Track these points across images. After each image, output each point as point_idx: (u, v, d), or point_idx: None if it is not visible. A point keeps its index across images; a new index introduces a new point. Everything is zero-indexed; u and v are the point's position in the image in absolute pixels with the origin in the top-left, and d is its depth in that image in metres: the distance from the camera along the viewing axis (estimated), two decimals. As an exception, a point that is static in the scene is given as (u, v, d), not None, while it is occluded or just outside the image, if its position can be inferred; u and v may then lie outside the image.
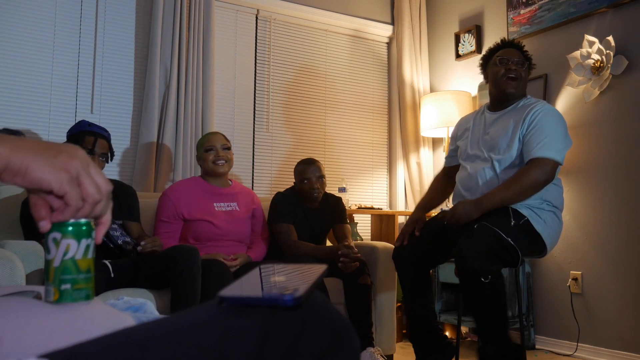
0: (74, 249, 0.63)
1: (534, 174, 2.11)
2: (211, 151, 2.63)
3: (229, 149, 2.69)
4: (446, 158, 2.67)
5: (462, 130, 2.53)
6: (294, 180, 2.83)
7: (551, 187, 2.22)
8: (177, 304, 2.08)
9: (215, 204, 2.62)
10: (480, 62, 2.49)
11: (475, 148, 2.38)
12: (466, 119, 2.57)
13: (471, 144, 2.41)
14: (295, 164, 2.85)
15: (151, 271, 2.19)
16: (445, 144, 3.67)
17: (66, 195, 0.59)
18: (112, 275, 2.19)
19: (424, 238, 2.33)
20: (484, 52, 2.53)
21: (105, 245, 2.27)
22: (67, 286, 0.62)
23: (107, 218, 0.65)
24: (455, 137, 2.58)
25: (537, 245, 2.17)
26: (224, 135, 2.72)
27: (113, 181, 2.55)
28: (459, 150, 2.51)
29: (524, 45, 2.45)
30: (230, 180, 2.78)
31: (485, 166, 2.28)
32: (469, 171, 2.34)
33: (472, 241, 2.02)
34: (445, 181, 2.61)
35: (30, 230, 2.26)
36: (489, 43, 3.62)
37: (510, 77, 2.31)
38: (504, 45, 2.43)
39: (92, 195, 0.60)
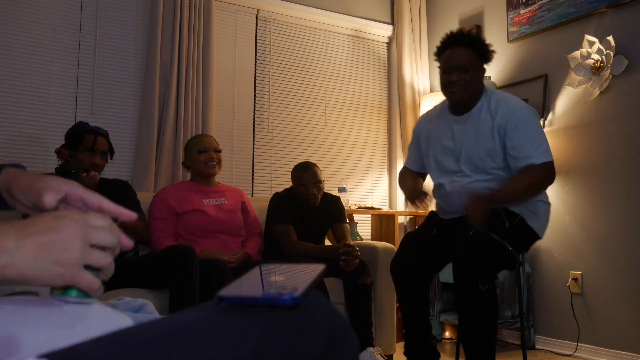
0: None
1: (536, 176, 2.07)
2: (204, 152, 2.71)
3: (219, 151, 2.77)
4: (409, 161, 2.51)
5: (424, 135, 2.39)
6: (293, 181, 2.83)
7: None
8: (175, 303, 2.08)
9: (204, 200, 2.67)
10: (436, 55, 2.30)
11: (449, 161, 2.25)
12: (425, 122, 2.42)
13: (442, 154, 2.28)
14: (295, 165, 2.85)
15: (149, 271, 2.20)
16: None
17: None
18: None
19: (417, 249, 2.25)
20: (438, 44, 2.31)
21: None
22: None
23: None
24: (417, 142, 2.43)
25: (531, 238, 2.18)
26: (214, 138, 2.82)
27: (108, 180, 2.56)
28: (427, 160, 2.37)
29: (475, 34, 2.23)
30: (218, 182, 2.84)
31: (465, 183, 2.18)
32: (448, 189, 2.23)
33: (470, 250, 1.98)
34: (414, 175, 2.45)
35: None
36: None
37: (453, 90, 2.18)
38: (449, 42, 2.23)
39: (107, 267, 0.61)
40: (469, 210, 2.02)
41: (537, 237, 2.17)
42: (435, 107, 2.44)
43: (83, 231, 0.58)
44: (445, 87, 2.21)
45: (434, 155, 2.31)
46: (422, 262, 2.24)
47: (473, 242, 2.00)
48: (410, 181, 2.40)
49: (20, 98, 2.94)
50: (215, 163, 2.72)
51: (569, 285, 3.04)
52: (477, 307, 1.98)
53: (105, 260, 0.60)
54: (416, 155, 2.45)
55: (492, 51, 2.24)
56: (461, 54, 2.18)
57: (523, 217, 2.11)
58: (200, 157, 2.69)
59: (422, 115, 2.51)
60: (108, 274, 0.61)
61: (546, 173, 2.09)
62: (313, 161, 2.90)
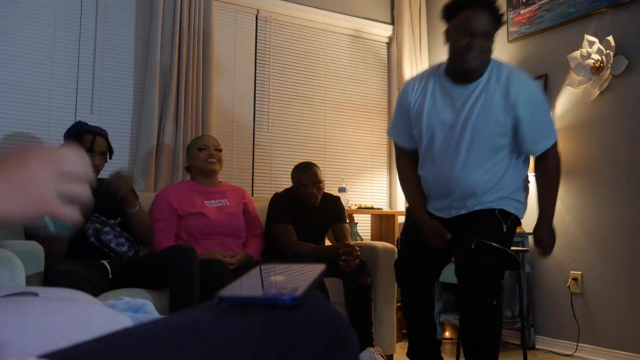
0: None
1: (555, 162, 2.08)
2: (205, 150, 2.71)
3: (220, 150, 2.77)
4: (402, 138, 2.22)
5: (414, 106, 2.09)
6: (293, 181, 2.83)
7: (524, 166, 2.14)
8: (175, 304, 2.08)
9: (205, 202, 2.67)
10: (444, 12, 2.01)
11: (448, 137, 2.02)
12: (415, 91, 2.10)
13: (440, 129, 2.03)
14: (295, 165, 2.85)
15: (149, 271, 2.20)
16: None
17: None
18: (111, 276, 2.20)
19: (419, 253, 2.21)
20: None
21: (99, 249, 2.30)
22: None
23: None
24: (406, 115, 2.13)
25: (517, 226, 2.16)
26: (215, 138, 2.83)
27: (102, 180, 2.54)
28: (416, 132, 2.11)
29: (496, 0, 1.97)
30: (220, 182, 2.83)
31: (469, 172, 2.01)
32: (440, 174, 2.05)
33: (475, 263, 1.93)
34: (416, 171, 2.20)
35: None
36: (489, 43, 3.61)
37: (471, 57, 1.91)
38: (468, 1, 1.94)
39: (83, 196, 0.60)
40: (543, 253, 2.10)
41: (519, 222, 2.15)
42: (426, 72, 2.15)
43: (51, 163, 0.57)
44: (462, 52, 1.91)
45: (429, 129, 2.05)
46: (426, 265, 2.22)
47: (476, 254, 1.94)
48: (418, 198, 2.19)
49: (21, 98, 2.94)
50: (216, 160, 2.72)
51: (569, 285, 3.04)
52: (485, 325, 1.94)
53: (80, 188, 0.59)
54: (405, 130, 2.17)
55: (504, 22, 2.04)
56: (484, 19, 1.91)
57: (517, 216, 2.09)
58: (201, 154, 2.70)
59: (409, 82, 2.16)
60: (86, 204, 0.59)
61: (556, 154, 2.10)
62: (313, 161, 2.90)
